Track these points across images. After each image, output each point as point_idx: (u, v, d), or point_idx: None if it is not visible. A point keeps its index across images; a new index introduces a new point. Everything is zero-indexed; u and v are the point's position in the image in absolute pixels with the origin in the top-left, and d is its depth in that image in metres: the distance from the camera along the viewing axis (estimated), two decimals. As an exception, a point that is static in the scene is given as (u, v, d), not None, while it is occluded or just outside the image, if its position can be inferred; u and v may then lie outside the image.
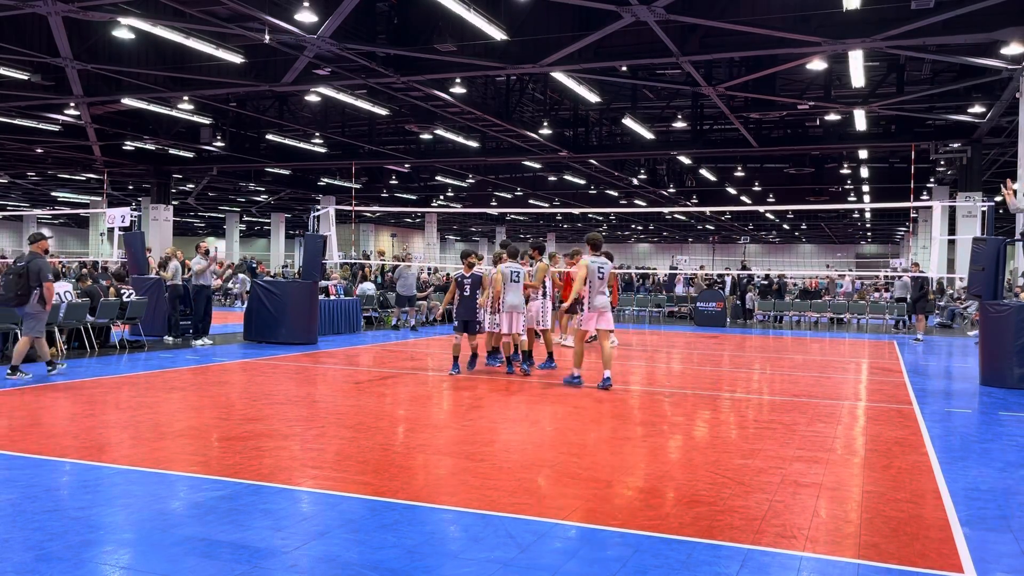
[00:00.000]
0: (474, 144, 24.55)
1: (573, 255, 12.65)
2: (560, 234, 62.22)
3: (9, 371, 9.54)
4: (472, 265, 11.12)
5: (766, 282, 26.27)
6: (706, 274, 31.24)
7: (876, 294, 28.11)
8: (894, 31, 12.53)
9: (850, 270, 45.78)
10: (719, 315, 22.39)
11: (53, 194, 40.64)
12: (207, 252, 14.24)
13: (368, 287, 19.98)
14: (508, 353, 10.91)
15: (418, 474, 5.63)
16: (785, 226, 53.99)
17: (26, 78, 16.98)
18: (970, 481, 5.70)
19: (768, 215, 44.84)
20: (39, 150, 26.31)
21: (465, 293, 10.82)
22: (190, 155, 27.32)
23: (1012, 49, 13.23)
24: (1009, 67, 14.18)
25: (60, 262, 34.06)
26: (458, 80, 17.18)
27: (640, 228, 60.96)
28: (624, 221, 54.82)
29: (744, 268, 31.71)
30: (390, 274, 23.89)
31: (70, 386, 9.18)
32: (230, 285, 27.85)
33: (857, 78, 15.48)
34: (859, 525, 4.64)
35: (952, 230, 21.19)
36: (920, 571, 3.97)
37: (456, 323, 11.02)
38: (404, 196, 38.53)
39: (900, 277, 21.93)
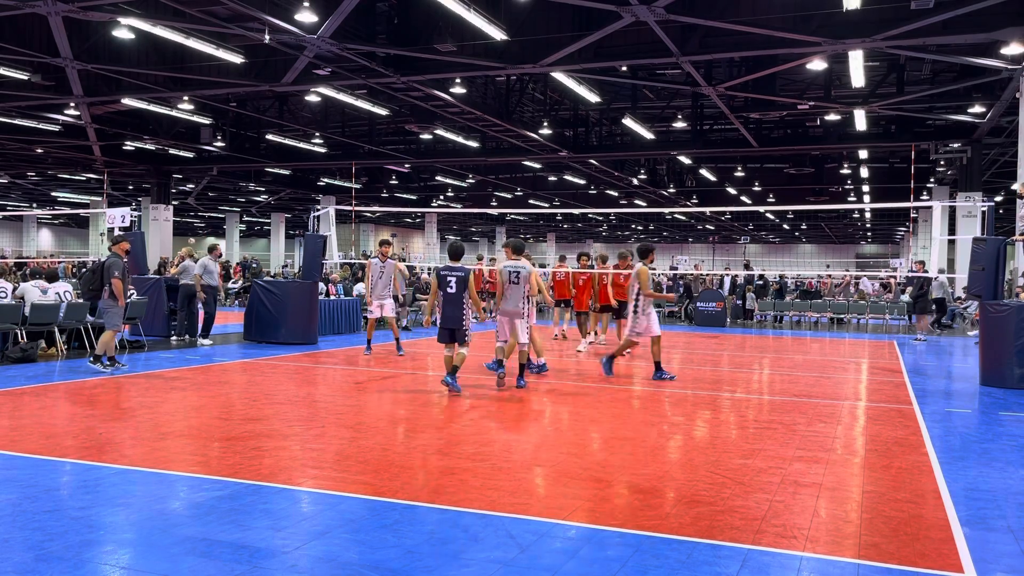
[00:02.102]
0: (474, 144, 24.55)
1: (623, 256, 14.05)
2: (560, 234, 62.23)
3: (92, 359, 10.40)
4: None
5: (760, 282, 25.92)
6: (700, 274, 31.14)
7: (888, 294, 27.55)
8: (894, 31, 12.54)
9: (849, 269, 45.73)
10: (719, 315, 22.38)
11: (53, 194, 40.66)
12: (219, 254, 14.24)
13: (360, 287, 19.99)
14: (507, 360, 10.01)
15: (418, 474, 5.62)
16: (785, 226, 54.01)
17: (26, 78, 16.99)
18: (970, 481, 5.69)
19: (768, 215, 44.85)
20: (39, 150, 26.32)
21: (450, 291, 8.98)
22: (190, 155, 27.33)
23: (1012, 49, 13.23)
24: (1009, 67, 14.19)
25: (58, 262, 34.06)
26: (458, 80, 17.19)
27: (640, 228, 60.98)
28: (624, 221, 54.85)
29: (748, 268, 31.60)
30: None
31: (70, 386, 9.19)
32: (230, 284, 27.84)
33: (857, 78, 15.48)
34: (859, 525, 4.64)
35: (952, 230, 21.18)
36: (920, 571, 3.97)
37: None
38: (404, 196, 38.56)
39: (937, 277, 19.82)
